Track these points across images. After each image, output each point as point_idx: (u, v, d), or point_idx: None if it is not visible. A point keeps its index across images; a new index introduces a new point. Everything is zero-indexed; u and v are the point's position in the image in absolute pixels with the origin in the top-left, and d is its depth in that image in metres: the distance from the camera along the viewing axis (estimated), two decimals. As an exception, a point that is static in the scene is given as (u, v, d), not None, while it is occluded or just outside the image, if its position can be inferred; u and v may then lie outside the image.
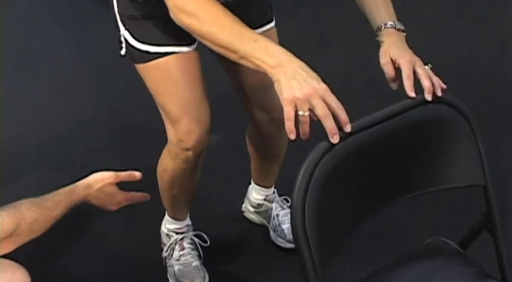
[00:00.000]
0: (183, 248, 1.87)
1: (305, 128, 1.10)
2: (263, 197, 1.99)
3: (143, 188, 2.18)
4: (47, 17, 3.30)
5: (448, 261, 1.40)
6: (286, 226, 1.96)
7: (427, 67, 1.24)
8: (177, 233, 1.88)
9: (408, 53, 1.25)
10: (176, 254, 1.87)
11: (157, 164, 1.75)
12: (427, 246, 1.44)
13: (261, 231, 2.04)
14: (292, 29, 2.89)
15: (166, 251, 1.88)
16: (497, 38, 2.99)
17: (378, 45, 1.31)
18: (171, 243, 1.87)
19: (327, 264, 1.13)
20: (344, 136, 1.10)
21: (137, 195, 1.55)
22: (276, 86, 1.11)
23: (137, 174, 1.50)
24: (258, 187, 1.99)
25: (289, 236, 1.95)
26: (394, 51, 1.26)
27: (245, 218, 2.09)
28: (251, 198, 2.02)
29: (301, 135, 1.11)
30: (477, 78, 2.75)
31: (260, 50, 1.13)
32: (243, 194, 2.08)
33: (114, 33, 1.55)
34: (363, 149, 1.15)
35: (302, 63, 1.12)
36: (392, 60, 1.25)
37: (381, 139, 1.18)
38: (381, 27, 1.30)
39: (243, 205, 2.09)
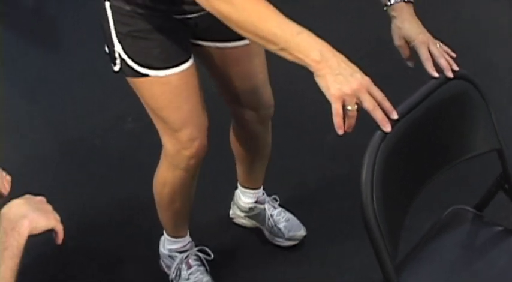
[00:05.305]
0: (190, 266, 1.83)
1: (352, 122, 1.12)
2: (254, 200, 1.98)
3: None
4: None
5: (474, 226, 1.48)
6: (282, 225, 1.97)
7: (438, 45, 1.29)
8: (180, 252, 1.84)
9: (421, 32, 1.29)
10: (184, 273, 1.82)
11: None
12: (448, 216, 1.50)
13: (255, 234, 2.04)
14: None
15: (173, 272, 1.84)
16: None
17: (388, 18, 1.33)
18: (177, 264, 1.83)
19: (397, 238, 1.18)
20: (393, 124, 1.14)
21: None
22: (321, 81, 1.10)
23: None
24: (247, 190, 1.97)
25: (288, 234, 1.97)
26: (408, 32, 1.29)
27: (235, 224, 2.08)
28: (240, 203, 2.01)
29: (347, 129, 1.12)
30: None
31: (303, 43, 1.10)
32: (226, 200, 2.07)
33: (106, 50, 1.49)
34: (405, 133, 1.20)
35: (344, 57, 1.12)
36: (406, 41, 1.30)
37: (417, 120, 1.22)
38: (391, 1, 1.31)
39: (231, 211, 2.07)
